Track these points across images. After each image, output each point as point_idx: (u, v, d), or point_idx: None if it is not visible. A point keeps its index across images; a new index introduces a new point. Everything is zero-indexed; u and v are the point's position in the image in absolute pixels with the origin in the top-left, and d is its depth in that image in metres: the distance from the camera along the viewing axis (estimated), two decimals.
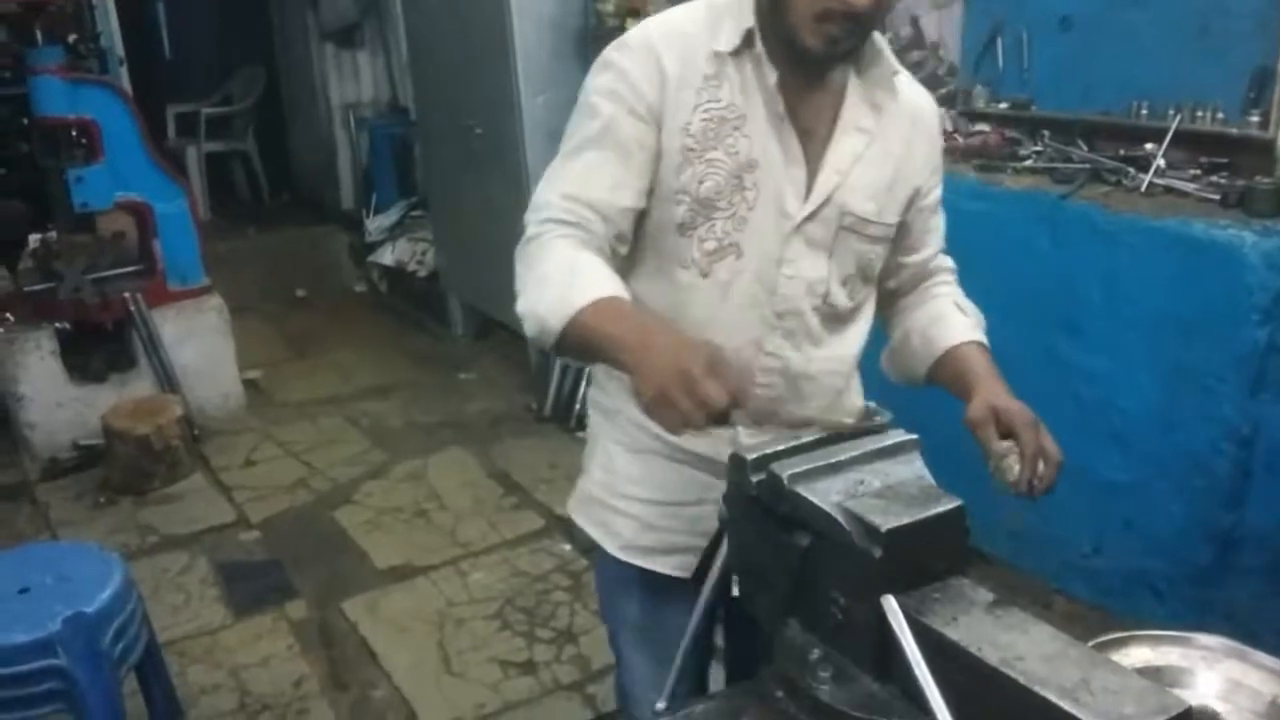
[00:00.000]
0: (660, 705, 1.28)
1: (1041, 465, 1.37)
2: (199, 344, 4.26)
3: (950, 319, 1.59)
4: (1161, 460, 2.61)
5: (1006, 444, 1.37)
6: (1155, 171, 2.59)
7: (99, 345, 4.03)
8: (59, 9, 3.97)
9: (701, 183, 1.39)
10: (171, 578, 3.33)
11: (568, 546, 3.40)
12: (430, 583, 3.27)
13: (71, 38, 4.05)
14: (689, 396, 1.12)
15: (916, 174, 1.52)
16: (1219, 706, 1.05)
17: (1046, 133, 2.92)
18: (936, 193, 1.61)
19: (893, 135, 1.47)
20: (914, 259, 1.62)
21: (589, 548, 3.35)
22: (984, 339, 1.59)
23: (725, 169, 1.39)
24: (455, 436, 4.25)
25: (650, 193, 1.42)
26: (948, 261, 1.70)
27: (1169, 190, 2.57)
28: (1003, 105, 3.05)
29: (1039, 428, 1.39)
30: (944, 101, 3.18)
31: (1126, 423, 2.68)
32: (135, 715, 2.43)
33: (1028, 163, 2.86)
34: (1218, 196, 2.46)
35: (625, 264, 1.46)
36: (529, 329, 1.33)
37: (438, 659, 2.92)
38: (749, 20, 1.39)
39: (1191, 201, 2.52)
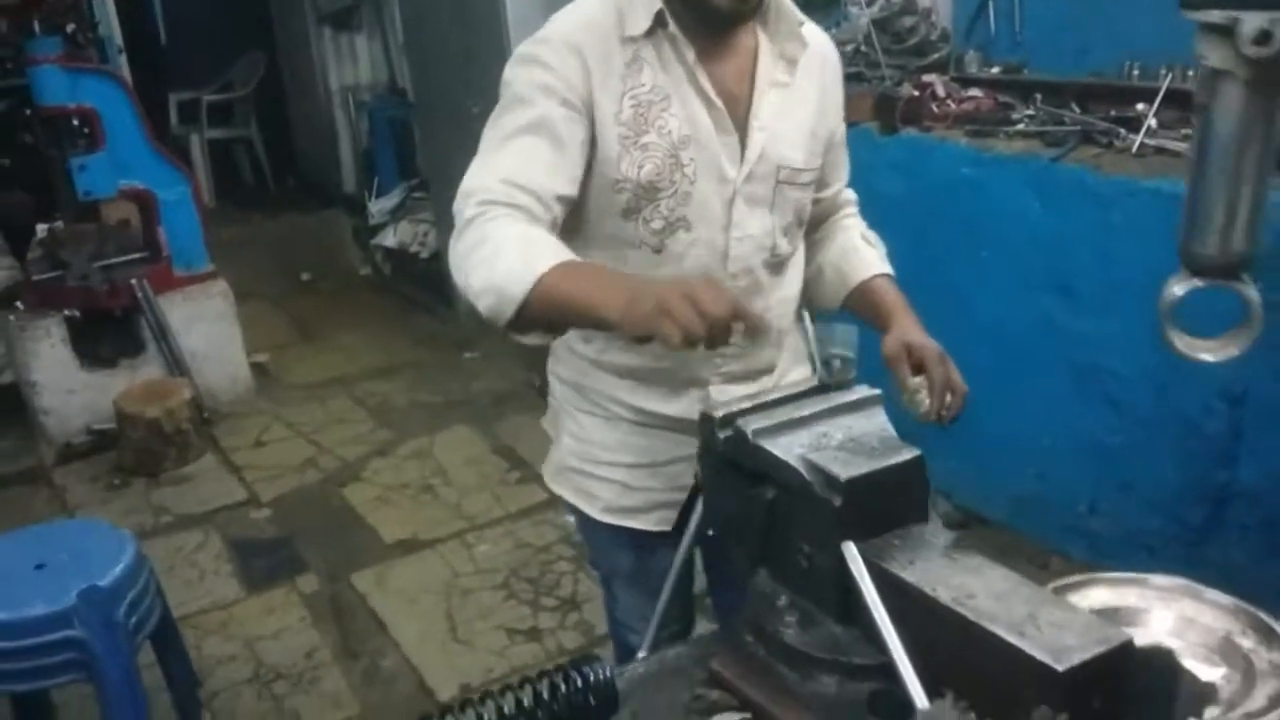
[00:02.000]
0: (641, 654, 1.33)
1: (949, 397, 1.47)
2: (206, 328, 4.32)
3: (860, 252, 1.68)
4: (1155, 421, 2.64)
5: (918, 379, 1.47)
6: (1147, 132, 2.60)
7: (108, 331, 4.09)
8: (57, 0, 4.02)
9: (641, 168, 1.42)
10: (186, 555, 3.40)
11: (570, 518, 3.42)
12: (437, 555, 3.33)
13: (70, 27, 4.10)
14: (690, 307, 1.11)
15: (832, 116, 1.60)
16: (1173, 643, 1.08)
17: (1039, 96, 2.93)
18: (842, 129, 1.68)
19: (807, 84, 1.53)
20: (825, 194, 1.69)
21: None
22: (890, 270, 1.69)
23: (661, 150, 1.42)
24: (460, 414, 4.30)
25: (588, 184, 1.44)
26: (851, 194, 1.78)
27: (1160, 150, 2.58)
28: (995, 70, 3.06)
29: (946, 362, 1.49)
30: (936, 67, 3.20)
31: (1120, 385, 2.70)
32: (154, 686, 2.49)
33: (1020, 127, 2.87)
34: None
35: (572, 248, 1.45)
36: (484, 305, 1.28)
37: (445, 628, 2.98)
38: (657, 1, 1.41)
39: (1182, 161, 2.53)
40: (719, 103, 1.45)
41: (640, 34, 1.41)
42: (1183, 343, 0.77)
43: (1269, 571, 2.57)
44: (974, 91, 3.04)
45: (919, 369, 1.47)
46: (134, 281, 4.07)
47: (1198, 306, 0.84)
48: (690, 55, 1.42)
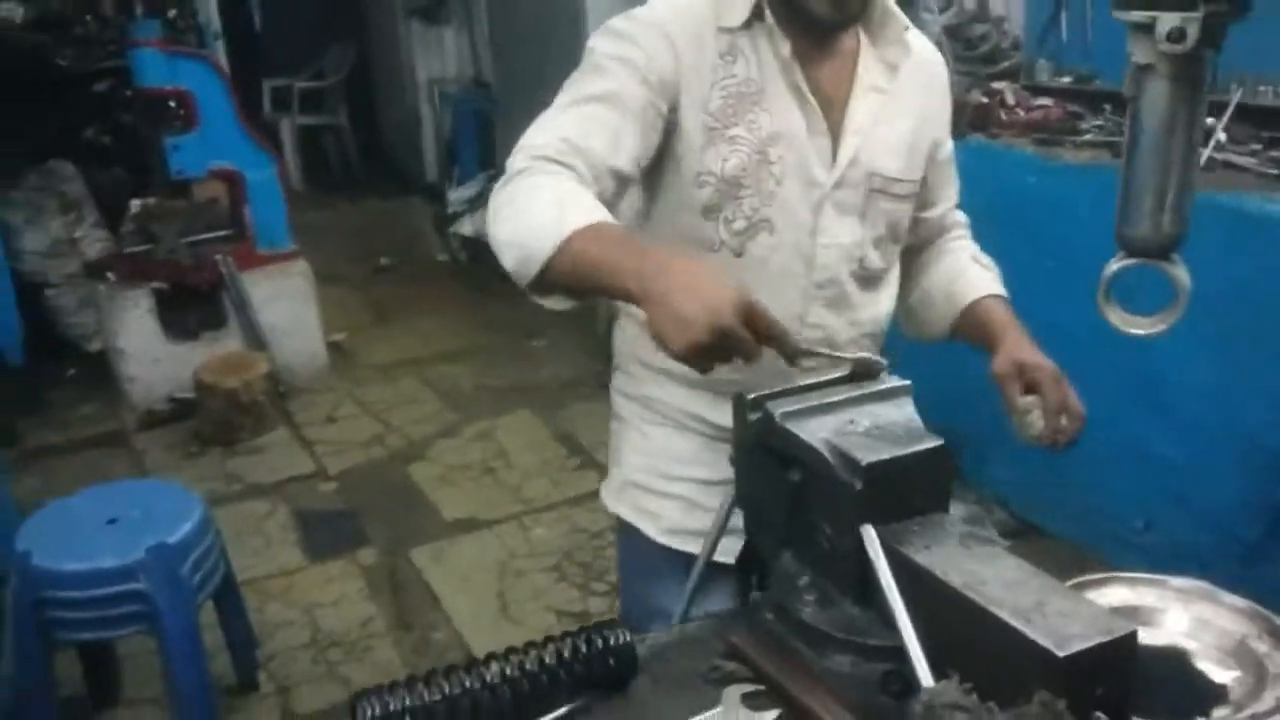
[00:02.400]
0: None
1: (1064, 420, 1.40)
2: (286, 306, 4.47)
3: (970, 273, 1.61)
4: (1214, 435, 2.60)
5: (1030, 399, 1.40)
6: (1215, 145, 2.57)
7: (193, 305, 4.27)
8: None
9: (726, 161, 1.37)
10: (254, 523, 3.54)
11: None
12: (494, 535, 3.43)
13: (170, 13, 4.28)
14: (722, 343, 1.07)
15: (934, 127, 1.54)
16: (1188, 644, 1.10)
17: (1108, 106, 2.91)
18: (949, 145, 1.62)
19: (909, 92, 1.47)
20: (931, 214, 1.62)
21: None
22: (1004, 292, 1.61)
23: (749, 145, 1.38)
24: (524, 400, 4.40)
25: (665, 175, 1.40)
26: (961, 216, 1.71)
27: (1228, 165, 2.55)
28: (1065, 79, 3.05)
29: (1062, 382, 1.41)
30: (1007, 75, 3.19)
31: (1179, 397, 2.67)
32: (214, 646, 2.62)
33: (1088, 136, 2.86)
34: (1276, 171, 2.44)
35: None
36: (508, 259, 1.22)
37: (496, 606, 3.07)
38: None
39: (1249, 176, 2.50)
40: (813, 101, 1.40)
41: (737, 25, 1.37)
42: (1118, 318, 0.81)
43: None
44: (1043, 100, 3.03)
45: (1031, 389, 1.41)
46: (219, 258, 4.24)
47: (1142, 288, 0.88)
48: (786, 50, 1.37)
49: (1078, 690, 0.89)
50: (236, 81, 4.41)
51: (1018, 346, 1.47)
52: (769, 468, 1.20)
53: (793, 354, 1.18)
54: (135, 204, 4.45)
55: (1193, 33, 0.71)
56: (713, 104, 1.37)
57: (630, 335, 1.59)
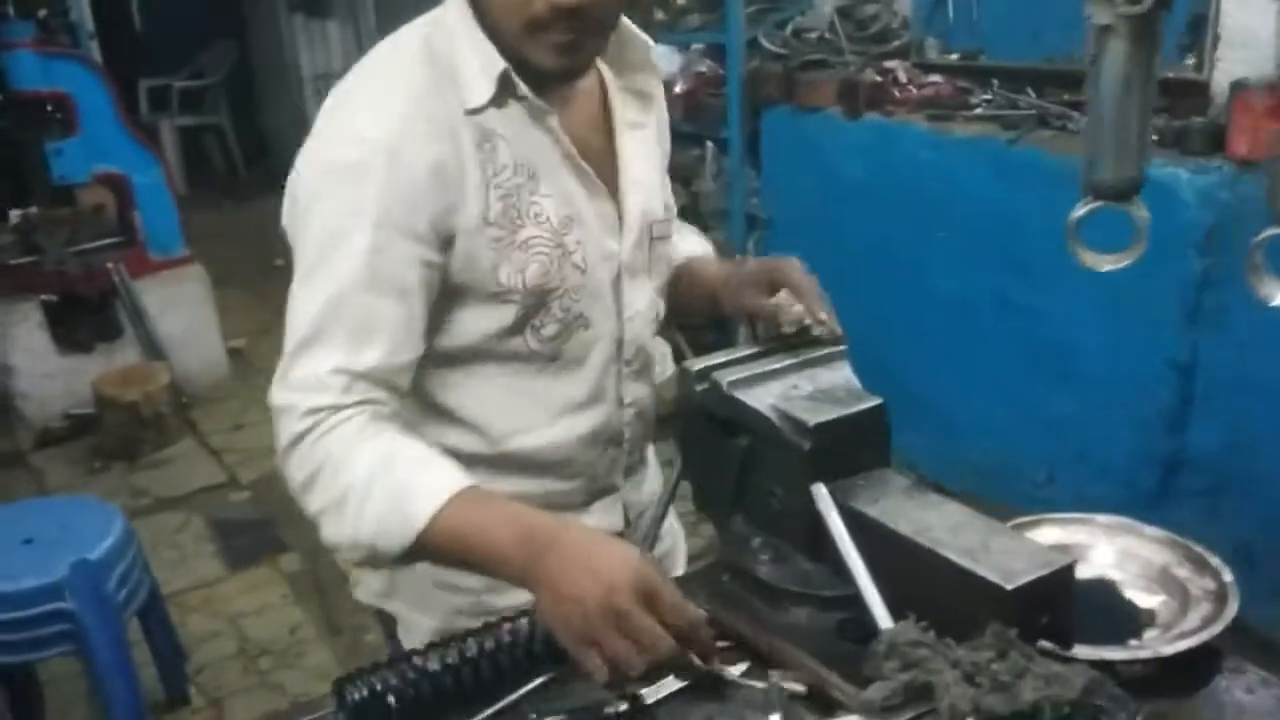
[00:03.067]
0: None
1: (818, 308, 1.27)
2: (183, 313, 4.36)
3: (694, 253, 1.49)
4: (1108, 391, 2.76)
5: (780, 293, 1.31)
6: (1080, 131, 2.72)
7: (85, 316, 4.13)
8: None
9: (525, 271, 1.17)
10: (168, 536, 3.45)
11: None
12: None
13: (42, 12, 4.11)
14: (622, 640, 0.93)
15: (668, 141, 1.41)
16: (1115, 574, 1.18)
17: (995, 81, 3.05)
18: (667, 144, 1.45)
19: (657, 119, 1.35)
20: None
21: None
22: (709, 249, 1.51)
23: (544, 243, 1.19)
24: None
25: (454, 309, 1.18)
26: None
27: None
28: (954, 56, 3.17)
29: (799, 267, 1.31)
30: (897, 54, 3.30)
31: (1074, 358, 2.82)
32: (141, 661, 2.55)
33: (978, 111, 2.99)
34: (1156, 137, 2.58)
35: (429, 377, 1.21)
36: (351, 559, 1.07)
37: None
38: (496, 63, 1.14)
39: None
40: (590, 170, 1.22)
41: (484, 103, 1.14)
42: (1087, 257, 0.90)
43: (1216, 534, 2.68)
44: (934, 77, 3.15)
45: (773, 290, 1.30)
46: (110, 266, 4.10)
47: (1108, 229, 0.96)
48: (553, 121, 1.18)
49: (1026, 619, 0.96)
50: (110, 84, 4.26)
51: (734, 270, 1.38)
52: (716, 436, 1.24)
53: (706, 652, 1.00)
54: (15, 214, 4.26)
55: None
56: (493, 211, 1.15)
57: None
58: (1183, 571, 1.17)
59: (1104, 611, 1.12)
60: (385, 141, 1.09)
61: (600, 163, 1.25)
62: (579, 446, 1.31)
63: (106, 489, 3.72)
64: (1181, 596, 1.14)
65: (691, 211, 4.01)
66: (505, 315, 1.19)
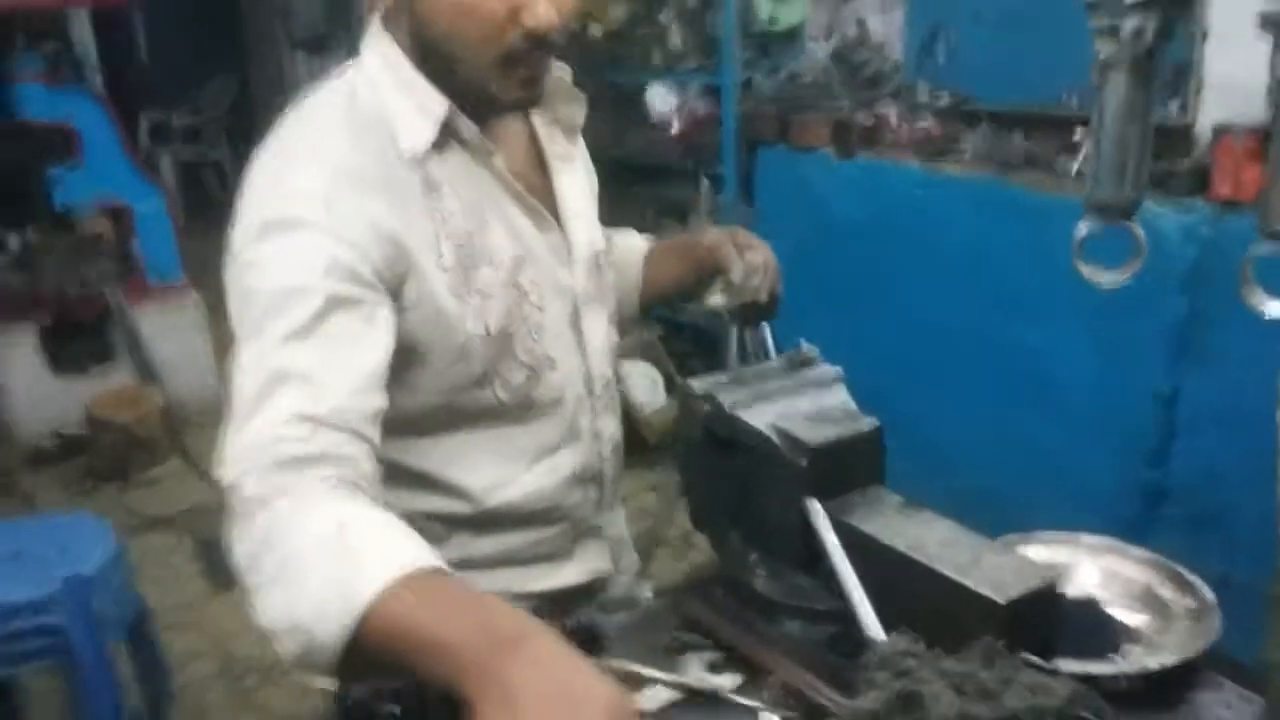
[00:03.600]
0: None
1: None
2: (178, 338, 4.38)
3: (624, 243, 1.53)
4: (1093, 424, 2.80)
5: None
6: (1084, 158, 2.78)
7: (80, 339, 4.14)
8: (39, 17, 4.10)
9: (487, 318, 1.16)
10: (157, 555, 3.46)
11: None
12: None
13: (50, 46, 4.18)
14: None
15: (593, 171, 1.41)
16: (1100, 593, 1.21)
17: (984, 123, 3.11)
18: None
19: (583, 149, 1.36)
20: None
21: None
22: (646, 242, 1.56)
23: (499, 284, 1.17)
24: None
25: (418, 369, 1.13)
26: None
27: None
28: (943, 99, 3.24)
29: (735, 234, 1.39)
30: (889, 97, 3.37)
31: (1061, 392, 2.87)
32: (124, 680, 2.54)
33: (967, 153, 3.05)
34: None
35: (398, 452, 1.14)
36: (287, 650, 0.85)
37: None
38: (439, 102, 1.12)
39: None
40: (538, 204, 1.22)
41: (427, 146, 1.12)
42: (1089, 272, 0.95)
43: (1196, 564, 2.73)
44: (924, 120, 3.21)
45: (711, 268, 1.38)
46: (107, 290, 4.12)
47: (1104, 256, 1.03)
48: (499, 163, 1.17)
49: (1015, 633, 0.99)
50: (112, 115, 4.31)
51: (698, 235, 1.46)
52: (717, 455, 1.28)
53: None
54: (15, 238, 4.29)
55: (1149, 32, 0.86)
56: (447, 258, 1.12)
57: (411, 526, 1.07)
58: (1165, 591, 1.20)
59: (1088, 628, 1.16)
60: (320, 192, 1.05)
61: (540, 198, 1.24)
62: (561, 490, 1.30)
63: (96, 509, 3.70)
64: (1163, 615, 1.17)
65: None
66: (471, 368, 1.16)
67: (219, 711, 2.75)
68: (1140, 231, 0.94)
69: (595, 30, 4.19)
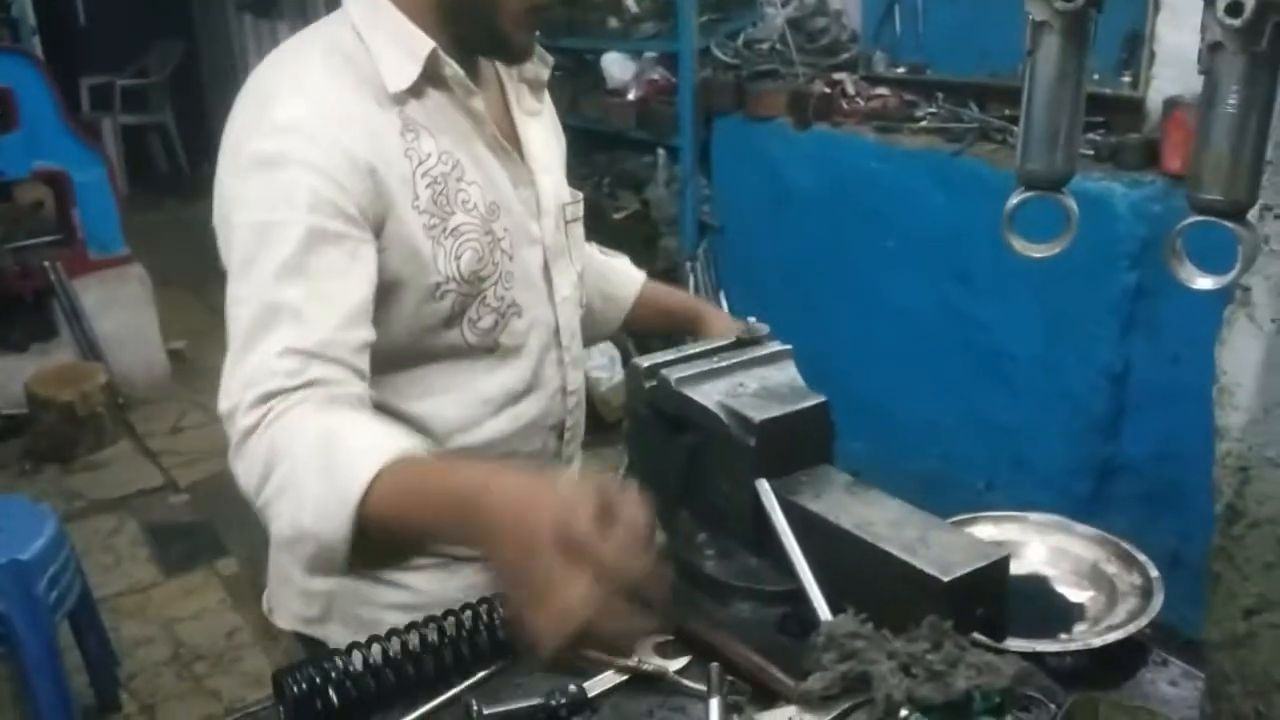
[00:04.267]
0: None
1: None
2: (121, 313, 4.28)
3: (615, 268, 1.58)
4: (1046, 400, 2.82)
5: None
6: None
7: (19, 315, 4.03)
8: None
9: (460, 258, 1.17)
10: (101, 540, 3.38)
11: None
12: None
13: None
14: (582, 578, 0.82)
15: (560, 129, 1.43)
16: (1048, 571, 1.21)
17: (940, 95, 3.10)
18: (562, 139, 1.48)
19: (549, 105, 1.38)
20: None
21: None
22: (643, 274, 1.62)
23: (475, 229, 1.18)
24: None
25: (392, 305, 1.15)
26: None
27: None
28: (900, 70, 3.23)
29: None
30: (846, 66, 3.35)
31: (1014, 366, 2.88)
32: (72, 667, 2.50)
33: (923, 123, 3.05)
34: (1092, 152, 2.65)
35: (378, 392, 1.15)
36: (303, 557, 0.99)
37: None
38: (422, 42, 1.15)
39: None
40: (515, 153, 1.25)
41: (406, 88, 1.14)
42: (1020, 245, 0.93)
43: (1148, 539, 2.76)
44: (881, 90, 3.20)
45: None
46: (47, 264, 4.01)
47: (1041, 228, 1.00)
48: (478, 103, 1.19)
49: (961, 611, 0.98)
50: (52, 80, 4.18)
51: (719, 315, 1.57)
52: (663, 433, 1.25)
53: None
54: None
55: None
56: (422, 199, 1.14)
57: None
58: (1111, 568, 1.20)
59: (1036, 605, 1.15)
60: (303, 128, 1.08)
61: (513, 149, 1.26)
62: (523, 436, 1.32)
63: (38, 491, 3.64)
64: (1110, 592, 1.17)
65: (643, 218, 4.03)
66: (441, 308, 1.18)
67: (169, 698, 2.70)
68: (1072, 204, 0.92)
69: None
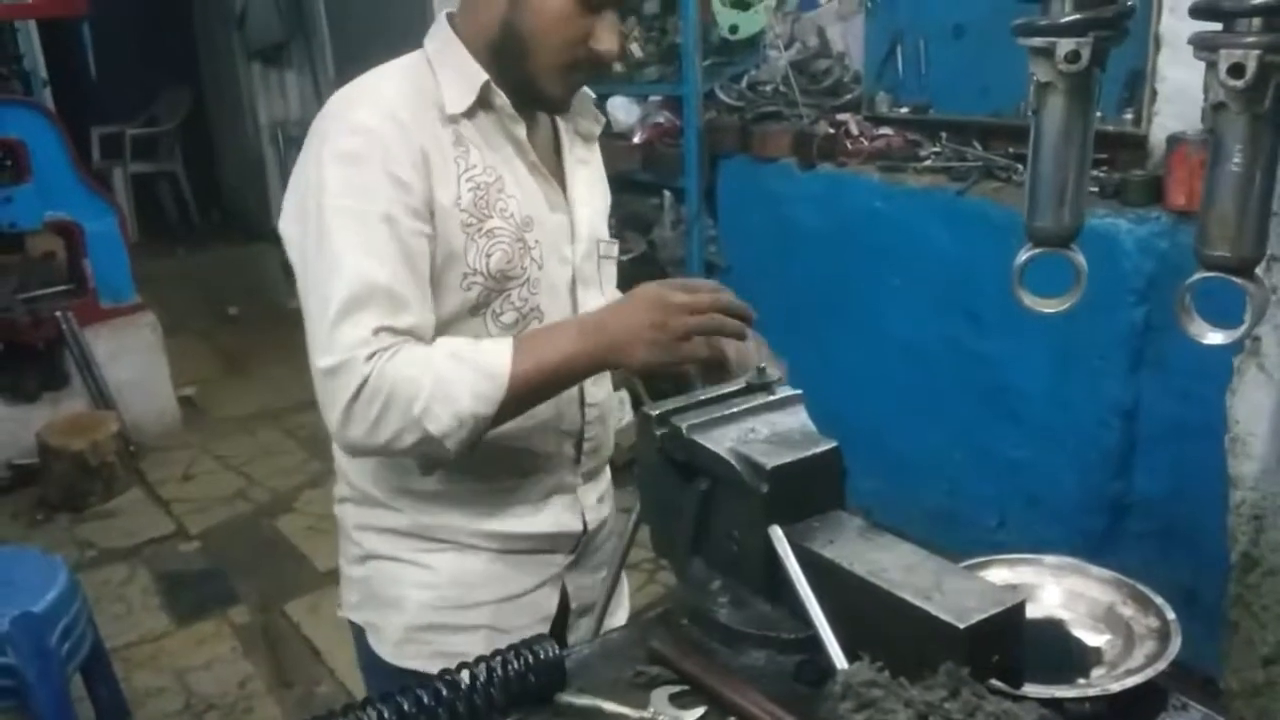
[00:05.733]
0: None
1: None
2: (133, 361, 4.30)
3: None
4: (1056, 436, 2.81)
5: None
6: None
7: (31, 364, 4.05)
8: None
9: (489, 257, 1.32)
10: (112, 589, 3.37)
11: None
12: None
13: None
14: (680, 315, 1.20)
15: (606, 184, 1.57)
16: (1063, 614, 1.21)
17: (944, 134, 3.13)
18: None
19: (599, 160, 1.52)
20: None
21: None
22: None
23: (507, 235, 1.33)
24: None
25: (434, 284, 1.31)
26: None
27: None
28: (903, 109, 3.25)
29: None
30: (850, 107, 3.38)
31: (1023, 403, 2.88)
32: (84, 718, 2.48)
33: (927, 162, 3.06)
34: (1097, 189, 2.66)
35: None
36: (455, 440, 1.22)
37: None
38: (478, 74, 1.32)
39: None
40: (551, 180, 1.40)
41: (462, 111, 1.31)
42: (1030, 300, 0.93)
43: (1161, 576, 2.75)
44: (884, 130, 3.23)
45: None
46: (59, 314, 4.04)
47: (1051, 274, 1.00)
48: (520, 131, 1.35)
49: (978, 658, 0.98)
50: (64, 130, 4.23)
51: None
52: (675, 480, 1.25)
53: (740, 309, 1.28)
54: None
55: (1085, 55, 0.83)
56: (464, 199, 1.31)
57: (394, 467, 1.42)
58: (1127, 610, 1.19)
59: (1052, 650, 1.15)
60: (380, 131, 1.25)
61: (558, 182, 1.42)
62: (536, 434, 1.40)
63: (49, 541, 3.63)
64: (1126, 635, 1.16)
65: (650, 259, 4.05)
66: (469, 296, 1.32)
67: None
68: (1081, 260, 0.93)
69: None
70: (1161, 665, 1.08)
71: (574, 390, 1.41)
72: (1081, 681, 1.09)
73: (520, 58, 1.31)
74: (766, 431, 1.23)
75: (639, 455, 1.34)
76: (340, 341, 1.20)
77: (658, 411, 1.25)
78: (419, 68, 1.35)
